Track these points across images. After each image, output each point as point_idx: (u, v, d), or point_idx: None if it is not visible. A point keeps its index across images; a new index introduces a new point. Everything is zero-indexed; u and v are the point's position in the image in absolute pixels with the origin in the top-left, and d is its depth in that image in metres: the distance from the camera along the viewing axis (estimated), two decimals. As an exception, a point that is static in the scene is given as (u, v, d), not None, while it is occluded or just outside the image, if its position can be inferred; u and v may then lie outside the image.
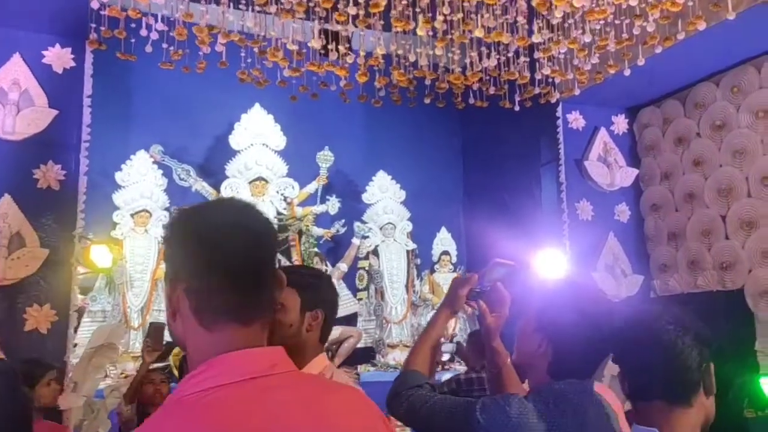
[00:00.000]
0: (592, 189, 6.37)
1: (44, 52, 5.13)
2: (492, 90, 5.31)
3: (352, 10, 3.62)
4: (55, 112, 4.82)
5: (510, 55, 4.63)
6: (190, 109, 7.30)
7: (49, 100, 4.90)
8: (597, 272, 6.14)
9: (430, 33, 4.29)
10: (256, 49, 4.31)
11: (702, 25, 4.48)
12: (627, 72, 5.08)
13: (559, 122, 6.25)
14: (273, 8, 3.97)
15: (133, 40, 4.55)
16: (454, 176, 8.71)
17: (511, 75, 4.60)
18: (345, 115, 8.02)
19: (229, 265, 1.02)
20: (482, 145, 8.19)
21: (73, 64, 5.13)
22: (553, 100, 5.76)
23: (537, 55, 4.81)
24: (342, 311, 7.66)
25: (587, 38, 4.40)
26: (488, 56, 4.53)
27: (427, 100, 5.41)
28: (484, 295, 1.89)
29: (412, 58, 4.44)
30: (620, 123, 6.65)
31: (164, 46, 4.50)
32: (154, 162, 6.86)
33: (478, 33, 3.98)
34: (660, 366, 1.46)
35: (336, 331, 7.28)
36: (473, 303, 1.89)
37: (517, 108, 5.44)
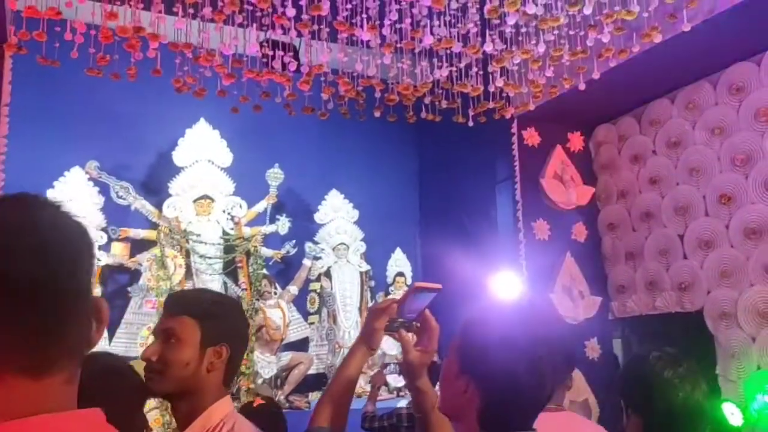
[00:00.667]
0: (548, 208, 6.20)
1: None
2: (444, 104, 5.11)
3: (291, 12, 3.36)
4: None
5: (462, 66, 4.43)
6: (132, 124, 6.94)
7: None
8: (554, 294, 5.94)
9: (378, 41, 4.05)
10: (189, 54, 3.99)
11: (658, 38, 4.35)
12: (582, 86, 4.93)
13: (514, 139, 6.08)
14: (207, 10, 3.68)
15: (57, 45, 4.24)
16: (410, 196, 8.49)
17: (463, 87, 4.39)
18: (296, 131, 7.75)
19: (3, 290, 0.71)
20: (439, 164, 7.99)
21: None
22: (508, 116, 5.59)
23: (491, 68, 4.63)
24: (293, 336, 7.33)
25: (541, 49, 4.21)
26: (439, 67, 4.30)
27: (376, 113, 5.17)
28: (408, 325, 1.61)
29: (358, 67, 4.19)
30: (576, 140, 6.52)
31: (91, 51, 4.19)
32: (90, 179, 6.46)
33: (428, 40, 3.75)
34: None
35: (286, 357, 6.96)
36: (395, 334, 1.61)
37: (471, 123, 5.25)
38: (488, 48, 3.98)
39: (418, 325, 1.63)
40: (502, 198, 6.15)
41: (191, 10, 3.90)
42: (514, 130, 6.07)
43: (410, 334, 1.63)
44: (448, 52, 4.27)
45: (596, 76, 4.77)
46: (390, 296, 7.69)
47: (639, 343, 6.47)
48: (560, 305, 5.76)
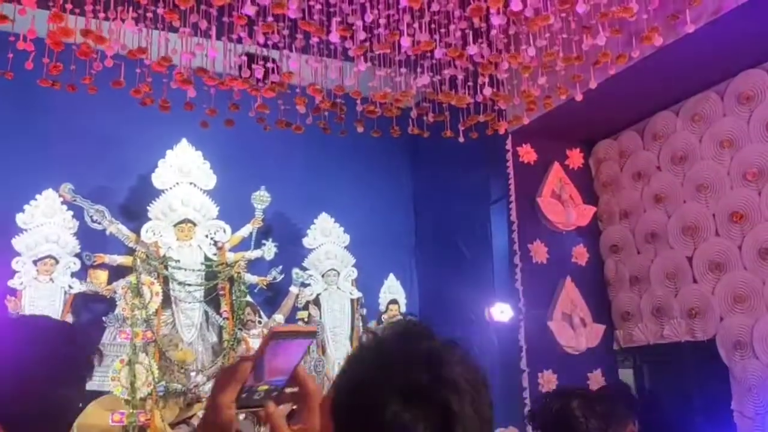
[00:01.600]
0: (546, 229, 5.82)
1: None
2: (431, 117, 4.77)
3: (250, 10, 3.03)
4: None
5: (446, 74, 4.08)
6: (110, 144, 6.64)
7: None
8: (553, 321, 5.53)
9: (352, 45, 3.72)
10: (147, 61, 3.67)
11: (658, 40, 4.01)
12: (578, 96, 4.59)
13: (509, 155, 5.72)
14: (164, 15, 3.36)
15: (10, 55, 3.94)
16: (405, 219, 8.12)
17: (448, 97, 4.04)
18: (283, 151, 7.43)
19: None
20: (434, 185, 7.65)
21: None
22: (502, 131, 5.24)
23: (481, 80, 4.29)
24: (278, 368, 6.91)
25: (531, 52, 3.87)
26: (421, 74, 3.96)
27: (359, 128, 4.84)
28: (277, 395, 1.10)
29: (333, 75, 3.86)
30: (575, 157, 6.15)
31: (45, 60, 3.88)
32: (64, 202, 6.12)
33: (405, 43, 3.41)
34: None
35: (271, 391, 6.52)
36: (259, 412, 1.10)
37: (461, 139, 4.91)
38: (472, 51, 3.64)
39: (294, 390, 1.13)
40: (497, 219, 5.77)
41: (149, 15, 3.58)
42: (509, 146, 5.73)
43: (281, 407, 1.12)
44: (431, 59, 3.93)
45: (593, 85, 4.43)
46: (384, 324, 7.29)
47: (651, 374, 6.02)
48: (560, 334, 5.34)
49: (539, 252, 5.77)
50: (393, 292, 7.43)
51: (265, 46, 3.93)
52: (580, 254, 6.02)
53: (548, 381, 5.53)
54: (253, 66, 3.72)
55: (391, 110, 4.31)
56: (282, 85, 3.98)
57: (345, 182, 7.74)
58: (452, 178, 6.90)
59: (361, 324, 7.25)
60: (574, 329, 5.59)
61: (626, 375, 6.14)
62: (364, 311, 7.32)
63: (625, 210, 5.95)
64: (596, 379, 5.73)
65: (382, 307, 7.38)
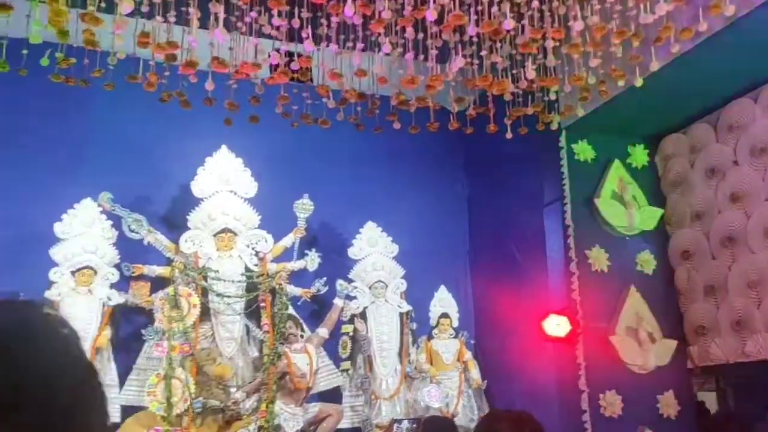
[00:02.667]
0: (606, 234, 5.27)
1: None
2: (472, 110, 4.36)
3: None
4: None
5: (483, 54, 3.66)
6: (150, 152, 6.51)
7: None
8: (616, 336, 4.95)
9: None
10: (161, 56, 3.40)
11: (729, 10, 3.47)
12: (638, 82, 4.07)
13: (563, 153, 5.21)
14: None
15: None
16: (458, 226, 7.68)
17: (485, 81, 3.61)
18: (328, 157, 7.16)
19: None
20: (489, 189, 7.20)
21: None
22: (554, 126, 4.76)
23: (529, 72, 3.85)
24: (322, 385, 6.55)
25: (579, 26, 3.40)
26: (456, 53, 3.56)
27: (396, 125, 4.48)
28: None
29: (356, 60, 3.50)
30: (639, 153, 5.58)
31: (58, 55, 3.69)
32: (103, 211, 6.00)
33: (431, 17, 3.02)
34: None
35: (314, 409, 6.18)
36: None
37: (509, 134, 4.46)
38: (509, 26, 3.21)
39: None
40: (551, 223, 5.28)
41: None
42: (563, 143, 5.22)
43: None
44: (463, 40, 3.52)
45: (654, 67, 3.92)
46: (434, 339, 6.85)
47: (736, 397, 5.34)
48: (624, 350, 4.77)
49: (599, 259, 5.23)
50: (444, 305, 6.99)
51: (291, 39, 3.64)
52: (646, 261, 5.44)
53: (611, 403, 4.96)
54: (270, 52, 3.41)
55: (424, 100, 3.91)
56: (302, 73, 3.64)
57: (393, 189, 7.38)
58: (507, 180, 6.44)
59: (411, 339, 6.83)
60: (641, 345, 5.00)
61: (708, 398, 5.48)
62: (414, 326, 6.91)
63: (698, 211, 5.37)
64: (667, 402, 5.12)
65: (433, 321, 6.95)
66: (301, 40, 3.62)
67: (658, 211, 5.52)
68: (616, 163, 5.48)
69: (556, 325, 4.82)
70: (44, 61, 3.71)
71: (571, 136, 5.29)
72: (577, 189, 5.24)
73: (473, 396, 6.74)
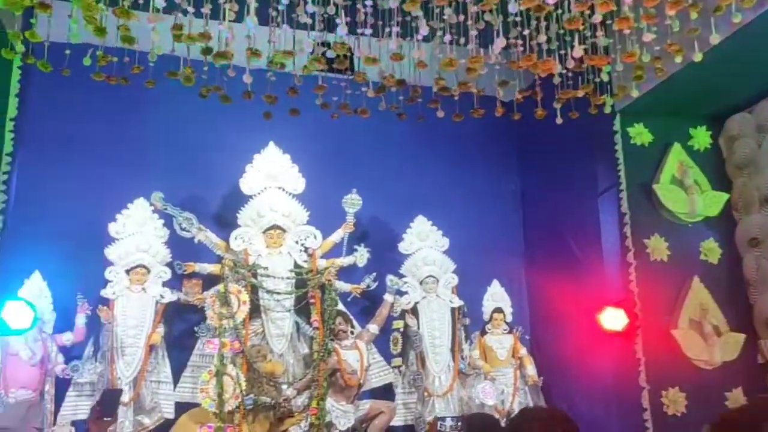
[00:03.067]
0: (665, 221, 4.99)
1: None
2: (519, 95, 4.18)
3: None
4: None
5: (526, 34, 3.48)
6: (201, 152, 6.58)
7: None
8: (678, 330, 4.67)
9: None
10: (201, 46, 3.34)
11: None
12: (697, 57, 3.80)
13: (617, 138, 4.94)
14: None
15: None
16: (512, 219, 7.48)
17: (528, 62, 3.43)
18: (376, 151, 7.11)
19: None
20: (543, 180, 6.97)
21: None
22: (608, 109, 4.51)
23: (576, 51, 3.64)
24: (374, 381, 6.47)
25: (626, -1, 3.19)
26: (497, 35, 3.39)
27: (440, 114, 4.34)
28: None
29: (393, 46, 3.38)
30: (701, 136, 5.26)
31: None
32: (155, 211, 6.08)
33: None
34: None
35: (365, 406, 6.11)
36: None
37: (558, 120, 4.26)
38: (551, 0, 3.02)
39: None
40: (606, 212, 5.02)
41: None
42: (617, 127, 4.95)
43: None
44: (507, 20, 3.35)
45: (715, 41, 3.64)
46: (488, 335, 6.67)
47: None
48: (687, 344, 4.48)
49: (658, 248, 4.95)
50: (497, 299, 6.81)
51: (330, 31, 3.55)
52: (711, 250, 5.13)
53: (674, 401, 4.68)
54: (307, 41, 3.32)
55: (466, 85, 3.75)
56: (340, 61, 3.54)
57: (443, 182, 7.24)
58: (560, 169, 6.21)
59: (463, 335, 6.68)
60: (706, 339, 4.72)
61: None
62: (467, 321, 6.75)
63: (767, 195, 4.98)
64: (736, 399, 4.81)
65: (486, 317, 6.78)
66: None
67: (723, 196, 5.19)
68: (676, 146, 5.18)
69: (613, 319, 4.58)
70: (86, 61, 3.74)
71: (626, 119, 5.02)
72: (633, 175, 4.98)
73: (530, 393, 6.54)
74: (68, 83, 5.33)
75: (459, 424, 5.75)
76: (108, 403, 2.94)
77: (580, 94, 4.19)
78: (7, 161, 4.26)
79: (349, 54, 3.79)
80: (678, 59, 3.93)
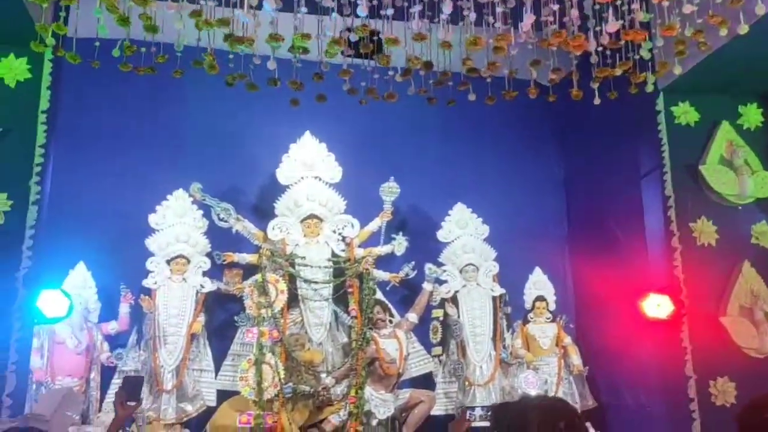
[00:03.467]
0: (713, 204, 4.76)
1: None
2: (552, 75, 4.02)
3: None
4: None
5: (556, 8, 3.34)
6: (238, 143, 6.62)
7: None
8: (727, 317, 4.45)
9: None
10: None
11: None
12: (742, 29, 3.58)
13: (661, 118, 4.72)
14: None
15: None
16: (555, 205, 7.29)
17: (559, 38, 3.29)
18: (413, 138, 7.02)
19: None
20: (587, 164, 6.76)
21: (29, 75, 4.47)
22: (650, 88, 4.31)
23: (610, 25, 3.48)
24: (414, 371, 6.41)
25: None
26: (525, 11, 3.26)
27: (471, 96, 4.22)
28: None
29: (415, 26, 3.29)
30: (751, 113, 4.99)
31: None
32: (194, 202, 6.14)
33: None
34: None
35: (405, 395, 6.07)
36: None
37: (596, 100, 4.10)
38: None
39: None
40: (649, 195, 4.81)
41: None
42: (660, 106, 4.73)
43: None
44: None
45: (761, 10, 3.43)
46: (530, 324, 6.53)
47: None
48: (737, 332, 4.27)
49: (706, 232, 4.73)
50: (540, 287, 6.65)
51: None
52: (763, 233, 4.88)
53: (723, 391, 4.47)
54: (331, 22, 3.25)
55: (495, 65, 3.63)
56: (364, 45, 3.46)
57: (483, 168, 7.11)
58: (603, 152, 6.01)
59: (505, 324, 6.55)
60: (757, 327, 4.48)
61: None
62: (509, 309, 6.62)
63: (824, 175, 4.70)
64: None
65: (528, 305, 6.63)
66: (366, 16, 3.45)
67: (777, 175, 4.93)
68: (725, 124, 4.92)
69: (657, 306, 4.39)
70: (116, 52, 3.76)
71: (670, 97, 4.79)
72: (678, 156, 4.75)
73: (575, 383, 6.38)
74: (104, 77, 5.41)
75: (489, 413, 5.64)
76: (131, 388, 2.99)
77: (618, 72, 4.00)
78: (40, 153, 4.34)
79: (375, 38, 3.71)
80: (723, 32, 3.71)
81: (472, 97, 4.26)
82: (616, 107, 4.27)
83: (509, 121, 7.15)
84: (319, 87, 4.33)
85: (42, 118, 4.40)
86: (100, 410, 5.68)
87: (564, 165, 7.32)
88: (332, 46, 3.18)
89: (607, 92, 4.21)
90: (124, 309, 5.87)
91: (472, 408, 5.90)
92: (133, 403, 2.94)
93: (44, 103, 4.40)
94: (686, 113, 4.89)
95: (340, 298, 6.20)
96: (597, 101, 4.12)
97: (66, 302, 4.56)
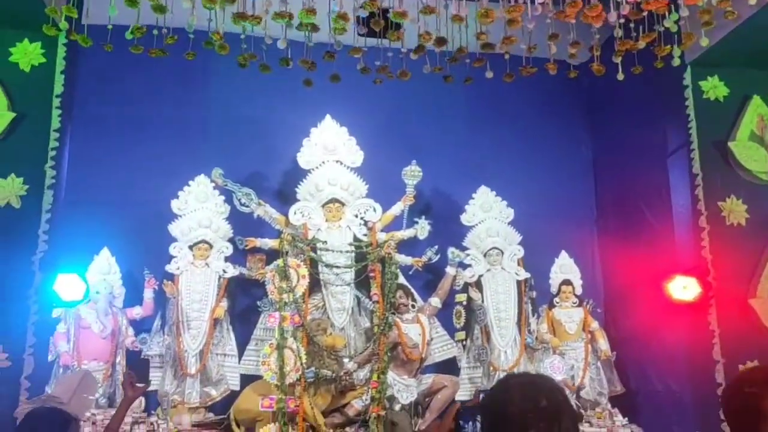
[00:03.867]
0: (743, 182, 4.57)
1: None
2: (572, 49, 3.90)
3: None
4: (11, 116, 4.18)
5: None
6: (259, 128, 6.61)
7: (13, 102, 4.27)
8: (757, 299, 4.28)
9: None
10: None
11: None
12: (772, -3, 3.41)
13: (688, 93, 4.55)
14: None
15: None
16: (583, 187, 7.15)
17: (575, 7, 3.17)
18: (436, 121, 6.94)
19: None
20: (616, 144, 6.58)
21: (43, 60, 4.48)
22: (676, 62, 4.14)
23: None
24: (438, 356, 6.35)
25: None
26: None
27: (489, 74, 4.11)
28: None
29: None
30: (784, 87, 4.77)
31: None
32: (216, 187, 6.14)
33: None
34: None
35: (428, 380, 6.02)
36: None
37: (620, 75, 3.97)
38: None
39: None
40: (676, 173, 4.64)
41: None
42: (687, 81, 4.55)
43: None
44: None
45: (790, -25, 3.25)
46: (556, 308, 6.41)
47: None
48: (766, 315, 4.10)
49: (735, 211, 4.55)
50: (566, 271, 6.53)
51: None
52: (796, 212, 4.65)
53: (754, 375, 4.30)
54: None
55: (510, 39, 3.52)
56: (375, 23, 3.39)
57: (508, 151, 6.99)
58: (631, 132, 5.83)
59: (530, 308, 6.44)
60: (790, 310, 4.30)
61: None
62: (534, 294, 6.51)
63: None
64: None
65: (554, 289, 6.52)
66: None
67: (810, 153, 4.71)
68: (756, 99, 4.71)
69: (683, 288, 4.24)
70: (128, 35, 3.75)
71: (698, 71, 4.61)
72: (706, 132, 4.57)
73: (602, 368, 6.25)
74: (124, 63, 5.45)
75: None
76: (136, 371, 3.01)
77: (641, 44, 3.86)
78: (55, 137, 4.37)
79: (386, 16, 3.63)
80: (752, 0, 3.54)
81: (489, 74, 4.16)
82: (643, 83, 4.13)
83: (534, 101, 7.01)
84: (336, 68, 4.28)
85: (56, 102, 4.42)
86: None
87: (592, 145, 7.15)
88: (338, 21, 3.10)
89: (631, 67, 4.06)
90: (148, 294, 5.91)
91: (485, 391, 5.82)
92: (141, 385, 2.95)
93: (58, 88, 4.42)
94: (715, 87, 4.69)
95: (362, 282, 6.15)
96: (620, 76, 3.99)
97: (82, 286, 4.60)
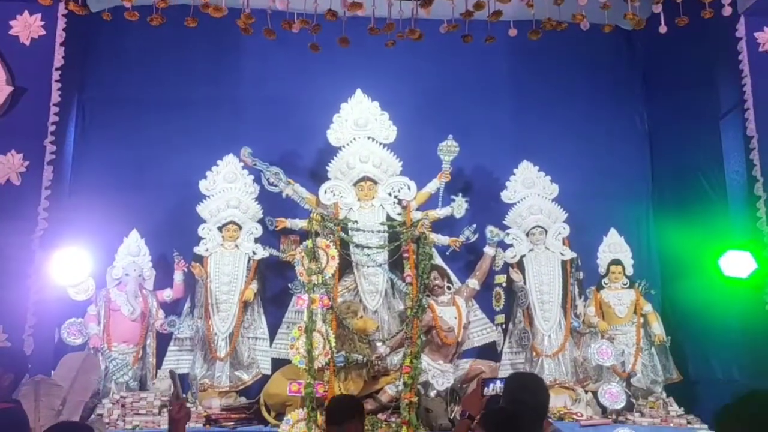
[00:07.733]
0: (807, 147, 4.01)
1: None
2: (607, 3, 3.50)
3: None
4: (9, 89, 4.08)
5: None
6: (289, 106, 6.41)
7: (14, 76, 4.17)
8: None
9: None
10: None
11: None
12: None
13: (741, 45, 4.03)
14: None
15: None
16: (637, 160, 6.64)
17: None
18: (473, 92, 6.57)
19: None
20: (671, 116, 6.04)
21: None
22: (727, 12, 3.67)
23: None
24: (476, 340, 6.03)
25: None
26: None
27: (512, 32, 3.75)
28: None
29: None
30: None
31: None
32: (244, 167, 5.98)
33: None
34: None
35: (466, 365, 5.73)
36: None
37: (662, 28, 3.54)
38: None
39: None
40: (729, 137, 4.13)
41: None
42: (741, 32, 4.03)
43: None
44: None
45: None
46: (605, 290, 5.98)
47: None
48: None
49: (796, 181, 4.00)
50: (615, 250, 6.08)
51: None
52: None
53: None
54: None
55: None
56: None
57: (552, 123, 6.54)
58: (685, 96, 5.32)
59: (576, 290, 6.02)
60: None
61: None
62: (581, 275, 6.09)
63: None
64: None
65: (602, 270, 6.07)
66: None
67: None
68: (822, 51, 4.15)
69: (737, 264, 3.76)
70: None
71: (752, 21, 4.07)
72: (763, 90, 4.04)
73: (656, 354, 5.79)
74: (146, 41, 5.35)
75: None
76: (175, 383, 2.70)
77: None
78: (54, 111, 4.27)
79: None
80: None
81: (512, 32, 3.80)
82: (698, 41, 3.67)
83: (583, 69, 6.57)
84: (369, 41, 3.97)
85: (56, 75, 4.32)
86: (155, 376, 5.69)
87: (648, 116, 6.61)
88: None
89: (676, 17, 3.61)
90: (178, 276, 5.82)
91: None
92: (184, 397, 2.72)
93: (58, 60, 4.32)
94: (773, 39, 4.15)
95: (396, 264, 5.87)
96: (663, 29, 3.56)
97: (89, 264, 4.50)
